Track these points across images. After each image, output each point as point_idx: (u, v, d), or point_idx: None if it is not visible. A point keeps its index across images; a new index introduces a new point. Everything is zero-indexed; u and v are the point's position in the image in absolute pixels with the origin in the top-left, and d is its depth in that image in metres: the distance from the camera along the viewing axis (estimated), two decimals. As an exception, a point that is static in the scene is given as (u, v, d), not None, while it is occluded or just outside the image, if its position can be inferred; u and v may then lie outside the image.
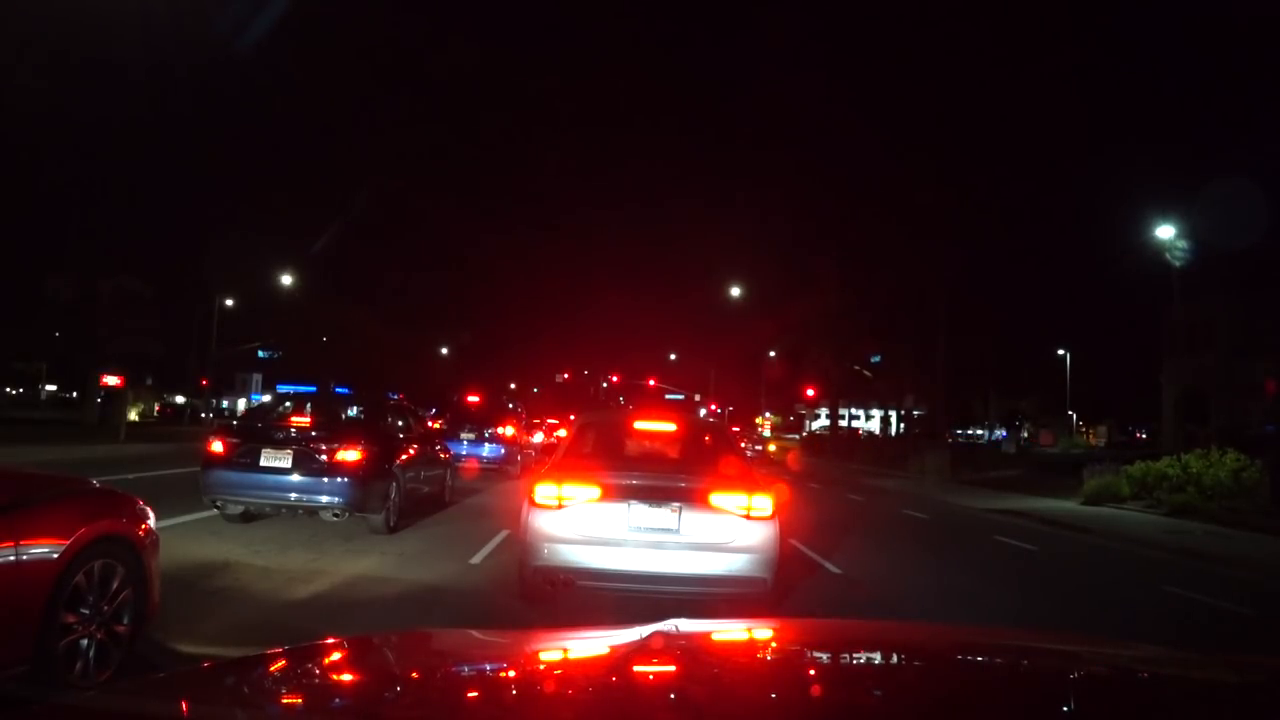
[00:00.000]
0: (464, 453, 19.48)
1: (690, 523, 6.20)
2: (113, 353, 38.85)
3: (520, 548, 6.52)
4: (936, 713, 1.72)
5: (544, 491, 6.35)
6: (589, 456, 7.16)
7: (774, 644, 2.47)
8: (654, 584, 6.14)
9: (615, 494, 6.25)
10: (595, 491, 6.27)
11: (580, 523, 6.22)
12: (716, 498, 6.31)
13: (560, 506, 6.25)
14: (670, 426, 7.88)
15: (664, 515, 6.19)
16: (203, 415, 47.83)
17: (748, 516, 6.26)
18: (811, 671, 2.18)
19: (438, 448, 13.07)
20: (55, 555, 3.68)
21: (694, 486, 6.37)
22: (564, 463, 6.98)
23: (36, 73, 27.80)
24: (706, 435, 8.28)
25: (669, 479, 6.49)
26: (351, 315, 54.88)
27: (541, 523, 6.27)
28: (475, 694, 1.89)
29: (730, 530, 6.23)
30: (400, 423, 11.76)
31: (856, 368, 52.66)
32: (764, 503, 6.35)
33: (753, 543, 6.24)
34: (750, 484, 6.56)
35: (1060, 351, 57.91)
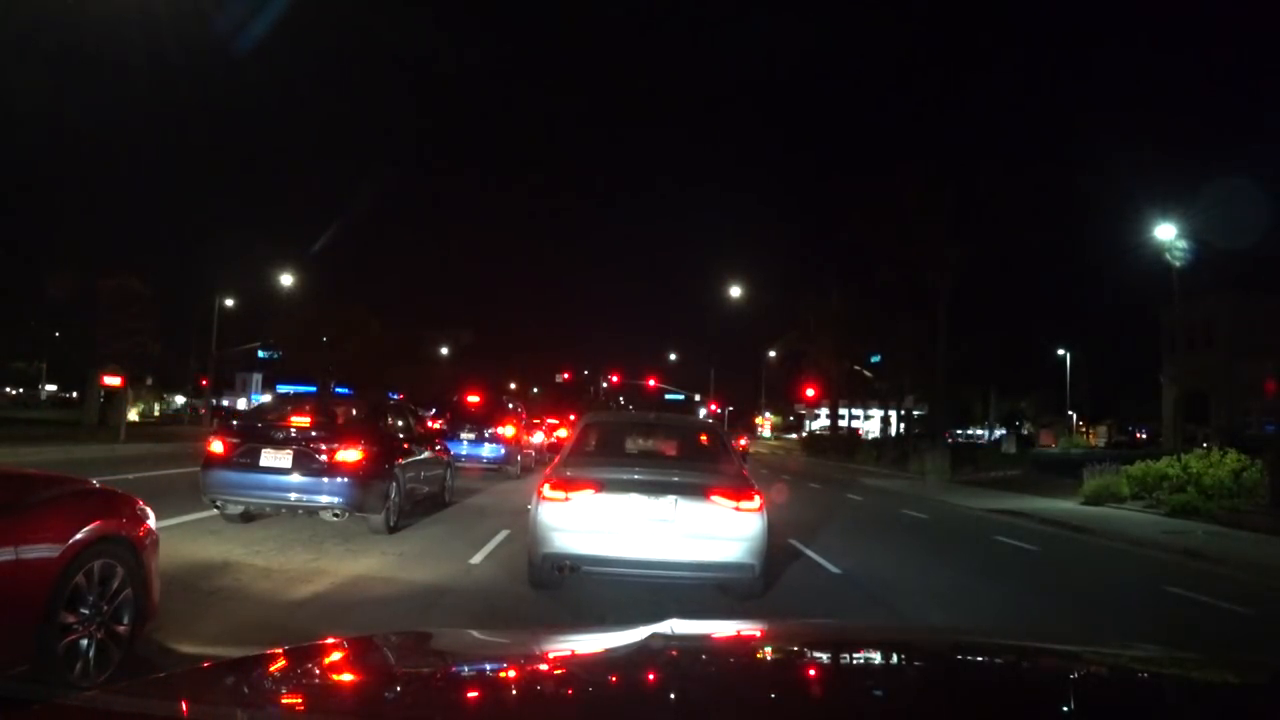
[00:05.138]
0: (464, 453, 19.50)
1: (686, 514, 6.71)
2: (113, 353, 38.77)
3: (530, 538, 7.06)
4: (936, 713, 1.73)
5: (551, 485, 6.89)
6: (593, 453, 7.73)
7: (774, 644, 2.47)
8: (652, 570, 6.74)
9: (617, 488, 6.79)
10: (599, 485, 6.80)
11: (585, 514, 6.74)
12: (710, 491, 6.82)
13: (567, 499, 6.79)
14: (669, 426, 8.22)
15: (661, 507, 6.71)
16: (216, 415, 47.67)
17: (738, 509, 6.79)
18: (811, 672, 2.18)
19: (438, 448, 13.07)
20: (55, 555, 3.68)
21: (689, 481, 6.94)
22: (570, 459, 7.48)
23: (36, 72, 27.78)
24: (702, 434, 8.74)
25: (666, 474, 7.08)
26: (351, 315, 54.83)
27: (549, 514, 6.81)
28: (475, 694, 1.89)
29: (722, 521, 6.75)
30: (400, 423, 11.76)
31: (856, 368, 52.67)
32: (753, 496, 6.89)
33: (742, 532, 6.77)
34: (741, 479, 7.12)
35: (1060, 351, 57.90)
